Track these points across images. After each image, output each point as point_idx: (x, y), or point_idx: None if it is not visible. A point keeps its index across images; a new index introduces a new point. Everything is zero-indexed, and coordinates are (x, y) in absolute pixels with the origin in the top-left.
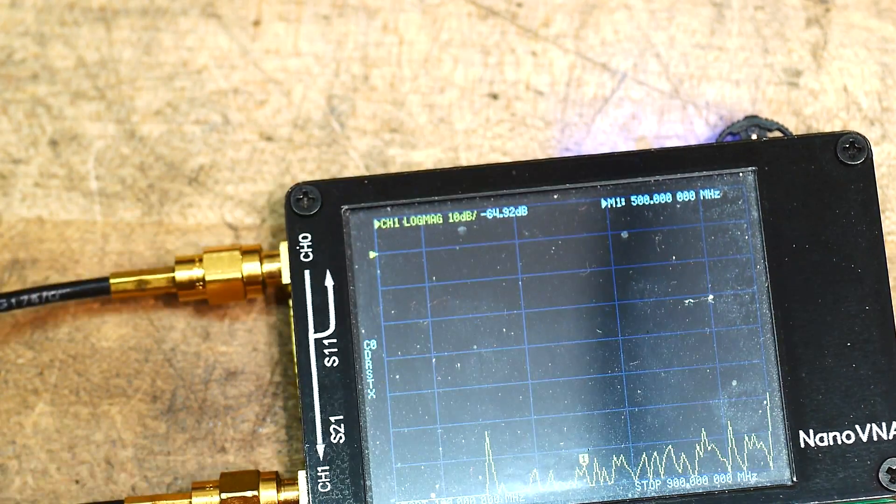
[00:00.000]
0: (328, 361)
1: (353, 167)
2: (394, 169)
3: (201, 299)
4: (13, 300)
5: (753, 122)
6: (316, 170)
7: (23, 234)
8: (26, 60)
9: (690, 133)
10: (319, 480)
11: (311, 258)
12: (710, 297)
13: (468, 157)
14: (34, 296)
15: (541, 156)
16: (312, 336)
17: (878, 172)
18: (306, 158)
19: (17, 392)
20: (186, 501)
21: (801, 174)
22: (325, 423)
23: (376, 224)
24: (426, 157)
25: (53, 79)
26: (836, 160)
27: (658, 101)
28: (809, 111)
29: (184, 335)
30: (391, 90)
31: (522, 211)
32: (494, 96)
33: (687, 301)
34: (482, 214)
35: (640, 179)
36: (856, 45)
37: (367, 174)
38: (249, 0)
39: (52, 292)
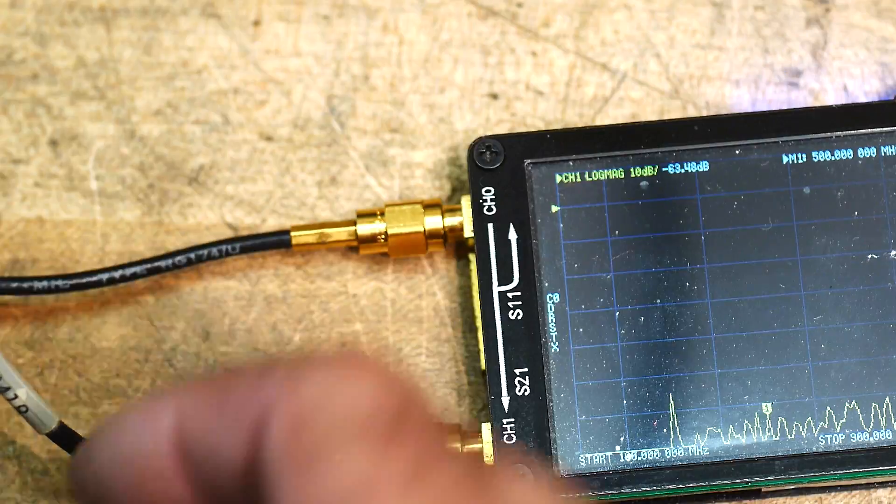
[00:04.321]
0: (512, 314)
1: (353, 167)
2: (393, 168)
3: (381, 252)
4: (192, 255)
5: None
6: (316, 170)
7: (23, 234)
8: (26, 60)
9: None
10: (504, 432)
11: (494, 211)
12: (893, 252)
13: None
14: (214, 250)
15: None
16: (496, 289)
17: None
18: (306, 158)
19: None
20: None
21: None
22: (510, 376)
23: (558, 178)
24: (426, 157)
25: (53, 79)
26: None
27: (658, 101)
28: None
29: (184, 335)
30: (391, 90)
31: (704, 166)
32: (494, 96)
33: (869, 256)
34: (664, 170)
35: (820, 135)
36: (856, 45)
37: (547, 129)
38: (249, 0)
39: (233, 245)
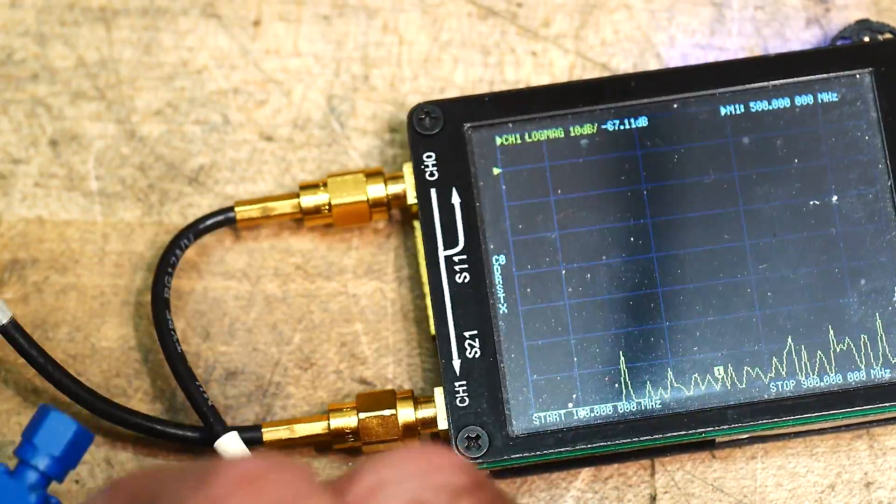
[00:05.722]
0: (459, 278)
1: (353, 167)
2: (394, 168)
3: (327, 223)
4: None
5: (864, 25)
6: (316, 170)
7: (23, 234)
8: (26, 60)
9: None
10: (457, 395)
11: (436, 177)
12: (834, 198)
13: None
14: (176, 251)
15: None
16: (442, 253)
17: None
18: (306, 158)
19: (16, 392)
20: (324, 423)
21: None
22: (460, 339)
23: (498, 140)
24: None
25: (53, 79)
26: None
27: None
28: None
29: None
30: (391, 90)
31: (643, 122)
32: None
33: (811, 203)
34: (603, 127)
35: (757, 85)
36: None
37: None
38: (249, 0)
39: (187, 238)
